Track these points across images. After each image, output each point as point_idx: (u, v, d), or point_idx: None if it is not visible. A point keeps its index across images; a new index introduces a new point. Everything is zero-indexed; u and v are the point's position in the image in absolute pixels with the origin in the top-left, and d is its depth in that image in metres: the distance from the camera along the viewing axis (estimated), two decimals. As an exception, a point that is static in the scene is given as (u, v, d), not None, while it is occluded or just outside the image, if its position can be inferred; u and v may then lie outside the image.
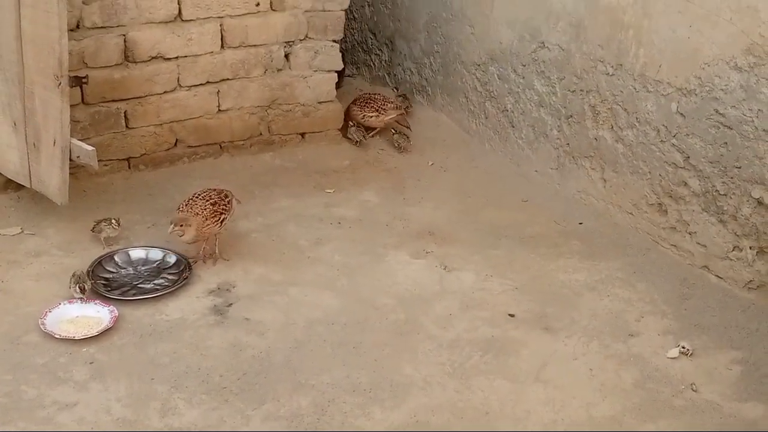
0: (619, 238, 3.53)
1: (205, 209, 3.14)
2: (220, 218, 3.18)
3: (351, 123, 4.36)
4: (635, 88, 3.43)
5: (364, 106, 4.36)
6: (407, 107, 4.56)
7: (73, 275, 2.91)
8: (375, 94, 4.50)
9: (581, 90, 3.70)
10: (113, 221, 3.26)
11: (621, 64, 3.48)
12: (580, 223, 3.65)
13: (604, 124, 3.62)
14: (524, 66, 3.99)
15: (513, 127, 4.13)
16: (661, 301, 3.11)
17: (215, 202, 3.20)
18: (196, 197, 3.20)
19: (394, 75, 4.97)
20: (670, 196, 3.36)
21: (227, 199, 3.28)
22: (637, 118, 3.44)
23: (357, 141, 4.31)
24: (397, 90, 4.83)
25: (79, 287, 2.86)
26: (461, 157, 4.27)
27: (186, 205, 3.16)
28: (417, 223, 3.63)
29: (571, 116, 3.78)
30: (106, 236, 3.26)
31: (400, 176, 4.07)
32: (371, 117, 4.35)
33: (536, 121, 3.98)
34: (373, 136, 4.40)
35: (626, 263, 3.35)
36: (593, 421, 2.53)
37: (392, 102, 4.43)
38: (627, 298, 3.14)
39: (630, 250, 3.44)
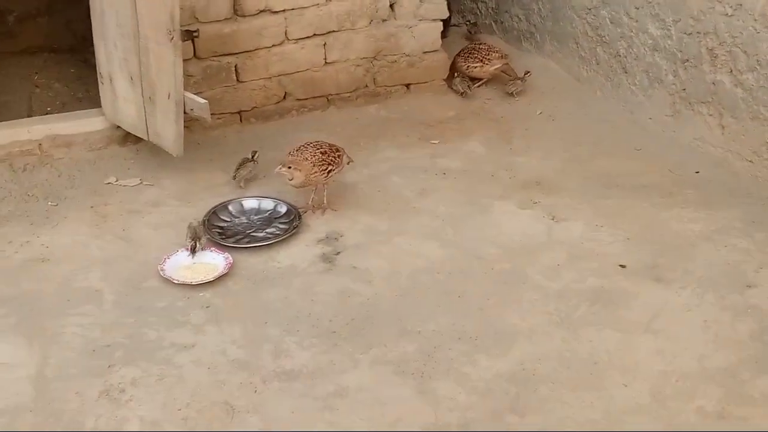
0: (738, 187, 3.38)
1: (314, 156, 3.19)
2: (327, 168, 3.22)
3: (456, 74, 4.32)
4: (756, 29, 3.24)
5: (468, 56, 4.31)
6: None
7: (189, 227, 3.02)
8: (480, 43, 4.44)
9: (698, 32, 3.53)
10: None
11: (740, 4, 3.30)
12: (697, 172, 3.51)
13: (722, 68, 3.45)
14: (637, 9, 3.83)
15: (626, 72, 3.99)
16: (781, 253, 2.97)
17: (325, 152, 3.24)
18: (308, 145, 3.25)
19: (501, 22, 4.86)
20: (793, 142, 3.19)
21: (338, 153, 3.31)
22: (758, 61, 3.26)
23: (462, 92, 4.26)
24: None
25: (190, 246, 2.96)
26: (571, 105, 4.17)
27: (297, 150, 3.23)
28: (524, 173, 3.58)
29: (688, 60, 3.62)
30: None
31: (507, 126, 4.01)
32: (475, 67, 4.29)
33: (650, 66, 3.83)
34: (479, 86, 4.34)
35: (745, 213, 3.21)
36: (705, 373, 2.46)
37: (497, 51, 4.35)
38: (745, 248, 3.01)
39: (749, 199, 3.29)
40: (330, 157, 3.25)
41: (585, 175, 3.54)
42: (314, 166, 3.18)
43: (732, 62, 3.40)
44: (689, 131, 3.67)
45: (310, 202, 3.31)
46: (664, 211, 3.26)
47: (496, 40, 4.69)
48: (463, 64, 4.31)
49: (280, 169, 3.16)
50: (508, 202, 3.37)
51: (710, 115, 3.55)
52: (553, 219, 3.24)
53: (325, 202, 3.32)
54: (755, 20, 3.25)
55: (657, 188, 3.41)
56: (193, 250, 2.95)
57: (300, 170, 3.15)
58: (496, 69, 4.31)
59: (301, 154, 3.19)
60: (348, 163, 3.42)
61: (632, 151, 3.71)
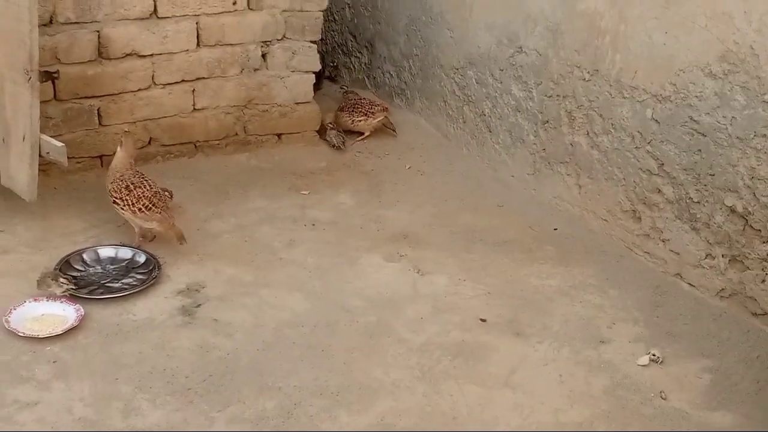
0: (593, 244, 3.52)
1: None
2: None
3: (331, 126, 4.33)
4: (611, 94, 3.42)
5: (353, 111, 4.36)
6: (348, 92, 4.60)
7: (46, 274, 2.85)
8: (360, 98, 4.49)
9: (558, 95, 3.69)
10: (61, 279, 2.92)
11: (597, 70, 3.47)
12: (555, 229, 3.64)
13: (580, 130, 3.61)
14: (502, 71, 3.98)
15: (490, 131, 4.12)
16: (633, 308, 3.10)
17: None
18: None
19: (374, 78, 4.95)
20: (644, 203, 3.35)
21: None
22: (612, 124, 3.44)
23: (337, 146, 4.27)
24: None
25: (62, 279, 2.82)
26: (439, 160, 4.26)
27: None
28: (392, 226, 3.61)
29: (548, 121, 3.77)
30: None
31: (376, 179, 4.05)
32: (360, 121, 4.36)
33: (513, 126, 3.97)
34: (362, 139, 4.39)
35: (599, 269, 3.34)
36: (561, 427, 2.51)
37: (379, 105, 4.43)
38: (599, 304, 3.13)
39: (603, 257, 3.43)
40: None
41: (450, 230, 3.60)
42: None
43: (589, 125, 3.56)
44: (549, 190, 3.82)
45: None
46: (524, 266, 3.35)
47: (368, 95, 4.75)
48: (348, 118, 4.36)
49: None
50: (375, 254, 3.38)
51: (568, 174, 3.70)
52: (418, 272, 3.27)
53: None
54: (610, 86, 3.43)
55: (518, 244, 3.51)
56: (69, 281, 2.82)
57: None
58: (378, 122, 4.36)
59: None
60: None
61: (495, 207, 3.81)
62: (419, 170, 4.17)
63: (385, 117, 4.41)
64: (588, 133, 3.57)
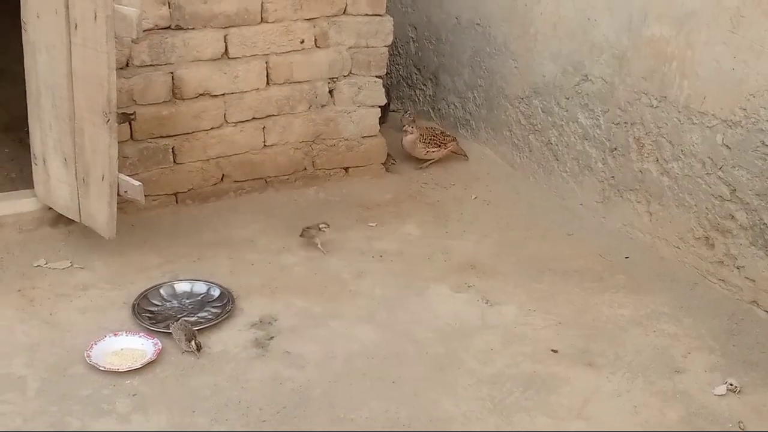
0: (666, 272, 3.46)
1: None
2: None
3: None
4: (680, 120, 3.38)
5: (429, 143, 4.44)
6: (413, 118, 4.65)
7: (178, 328, 2.91)
8: (431, 127, 4.59)
9: (625, 122, 3.67)
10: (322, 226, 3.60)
11: (665, 96, 3.44)
12: (626, 257, 3.60)
13: (649, 157, 3.58)
14: (568, 99, 3.97)
15: (557, 160, 4.11)
16: (708, 337, 3.04)
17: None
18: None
19: (438, 109, 4.99)
20: (717, 230, 3.29)
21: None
22: (682, 151, 3.40)
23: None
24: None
25: (195, 343, 2.86)
26: (505, 190, 4.26)
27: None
28: (459, 256, 3.62)
29: (616, 149, 3.74)
30: (320, 241, 3.59)
31: (443, 210, 4.07)
32: (433, 151, 4.45)
33: (580, 154, 3.95)
34: (427, 166, 4.47)
35: (673, 298, 3.28)
36: (637, 460, 2.47)
37: (449, 135, 4.54)
38: (673, 333, 3.07)
39: (677, 285, 3.37)
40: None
41: (518, 260, 3.59)
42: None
43: (658, 151, 3.53)
44: (618, 217, 3.78)
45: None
46: (595, 295, 3.31)
47: (433, 125, 4.79)
48: (423, 149, 4.43)
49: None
50: (443, 285, 3.39)
51: (638, 202, 3.66)
52: (487, 303, 3.26)
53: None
54: (679, 112, 3.39)
55: (588, 273, 3.48)
56: (199, 348, 2.87)
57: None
58: (449, 150, 4.46)
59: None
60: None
61: (564, 236, 3.79)
62: (486, 200, 4.17)
63: (455, 144, 4.50)
64: (657, 160, 3.54)
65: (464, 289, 3.36)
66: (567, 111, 3.99)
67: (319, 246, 3.59)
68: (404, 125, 4.45)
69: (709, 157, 3.28)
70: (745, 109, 3.10)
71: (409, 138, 4.40)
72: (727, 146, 3.19)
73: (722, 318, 3.14)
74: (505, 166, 4.47)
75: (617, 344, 3.00)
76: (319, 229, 3.60)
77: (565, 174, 4.07)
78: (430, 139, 4.45)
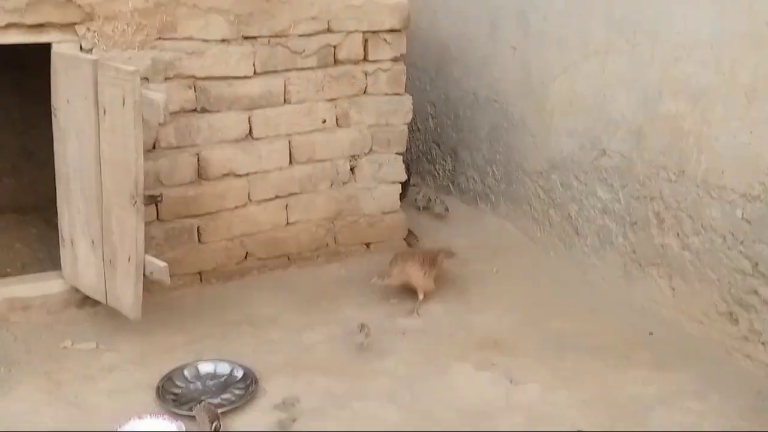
0: (690, 348, 3.43)
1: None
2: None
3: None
4: (699, 195, 3.40)
5: (426, 267, 3.86)
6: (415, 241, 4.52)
7: (202, 411, 2.90)
8: (420, 254, 3.95)
9: (645, 197, 3.69)
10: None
11: (683, 171, 3.47)
12: (650, 333, 3.57)
13: (669, 231, 3.59)
14: (586, 173, 4.01)
15: (578, 234, 4.13)
16: (735, 415, 2.99)
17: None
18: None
19: (458, 184, 5.05)
20: (741, 305, 3.27)
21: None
22: (702, 225, 3.40)
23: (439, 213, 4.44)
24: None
25: (214, 426, 2.84)
26: (526, 264, 4.27)
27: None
28: (481, 332, 3.61)
29: (636, 223, 3.76)
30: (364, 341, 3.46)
31: (464, 284, 4.08)
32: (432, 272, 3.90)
33: (601, 229, 3.97)
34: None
35: (698, 375, 3.24)
36: None
37: (433, 251, 4.04)
38: (700, 411, 3.03)
39: (701, 361, 3.34)
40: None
41: (541, 336, 3.58)
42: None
43: (678, 226, 3.54)
44: (641, 292, 3.77)
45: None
46: (619, 372, 3.28)
47: (453, 201, 4.84)
48: (424, 276, 3.85)
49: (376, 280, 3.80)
50: (466, 363, 3.38)
51: (660, 277, 3.66)
52: (510, 381, 3.24)
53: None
54: (697, 186, 3.42)
55: (612, 349, 3.45)
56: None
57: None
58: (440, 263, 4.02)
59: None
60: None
61: (587, 311, 3.78)
62: (507, 274, 4.18)
63: (442, 254, 4.05)
64: (678, 235, 3.54)
65: (487, 366, 3.34)
66: (586, 185, 4.02)
67: (362, 344, 3.47)
68: (382, 279, 3.83)
69: (730, 232, 3.28)
70: (763, 184, 3.12)
71: (395, 279, 3.82)
72: (747, 221, 3.20)
73: (749, 395, 3.10)
74: (526, 240, 4.49)
75: (643, 423, 2.96)
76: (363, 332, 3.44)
77: (586, 248, 4.08)
78: (423, 261, 3.86)
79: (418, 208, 4.53)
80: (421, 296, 3.83)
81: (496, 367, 3.34)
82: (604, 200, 3.92)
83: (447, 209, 4.54)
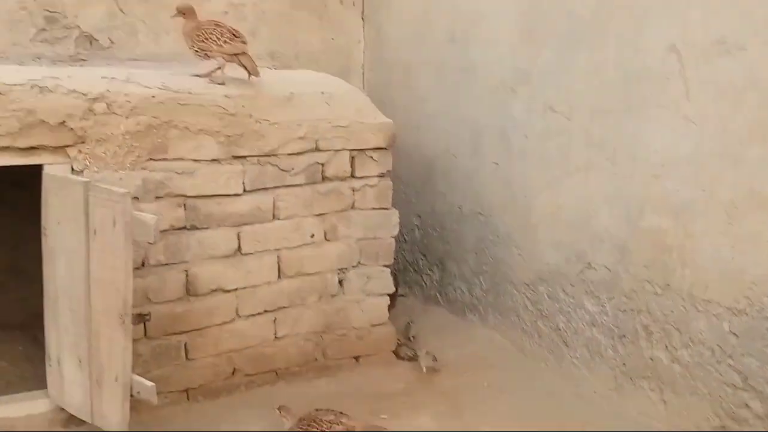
0: (685, 463, 3.40)
1: None
2: None
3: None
4: (685, 308, 3.43)
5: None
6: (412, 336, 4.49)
7: None
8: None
9: (632, 309, 3.72)
10: None
11: (668, 284, 3.51)
12: (644, 448, 3.54)
13: (658, 344, 3.60)
14: (573, 286, 4.05)
15: (567, 346, 4.13)
16: None
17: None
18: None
19: (446, 294, 5.07)
20: (733, 418, 3.26)
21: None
22: (690, 338, 3.42)
23: (409, 357, 4.32)
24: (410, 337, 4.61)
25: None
26: (517, 377, 4.24)
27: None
28: (474, 449, 3.57)
29: (624, 336, 3.77)
30: None
31: (456, 399, 4.04)
32: None
33: (590, 341, 3.98)
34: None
35: (695, 492, 3.20)
36: None
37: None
38: None
39: (697, 477, 3.30)
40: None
41: (535, 453, 3.53)
42: None
43: (667, 339, 3.55)
44: (633, 405, 3.74)
45: None
46: (614, 490, 3.24)
47: (441, 312, 4.85)
48: None
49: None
50: (458, 481, 3.33)
51: (651, 390, 3.65)
52: (505, 502, 3.19)
53: None
54: (683, 299, 3.45)
55: (607, 465, 3.41)
56: None
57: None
58: None
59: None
60: None
61: (580, 426, 3.74)
62: (499, 387, 4.15)
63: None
64: (667, 347, 3.56)
65: (480, 485, 3.29)
66: (573, 298, 4.05)
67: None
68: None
69: (718, 345, 3.30)
70: (748, 298, 3.16)
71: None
72: (735, 334, 3.22)
73: None
74: (516, 351, 4.48)
75: None
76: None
77: (576, 360, 4.08)
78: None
79: (403, 358, 4.46)
80: None
81: (489, 486, 3.28)
82: (592, 312, 3.95)
83: (435, 359, 4.39)
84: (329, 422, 3.34)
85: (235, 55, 3.83)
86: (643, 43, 3.55)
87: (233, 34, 3.83)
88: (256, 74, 3.91)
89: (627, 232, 3.70)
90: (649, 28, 3.52)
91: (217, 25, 3.85)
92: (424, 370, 4.24)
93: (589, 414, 3.83)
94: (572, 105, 3.95)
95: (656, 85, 3.50)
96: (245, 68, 3.87)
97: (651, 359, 3.63)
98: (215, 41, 3.79)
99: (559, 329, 4.16)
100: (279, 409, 3.44)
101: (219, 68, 3.86)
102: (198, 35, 3.80)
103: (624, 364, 3.79)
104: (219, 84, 3.84)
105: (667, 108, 3.46)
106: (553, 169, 4.10)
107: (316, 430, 3.32)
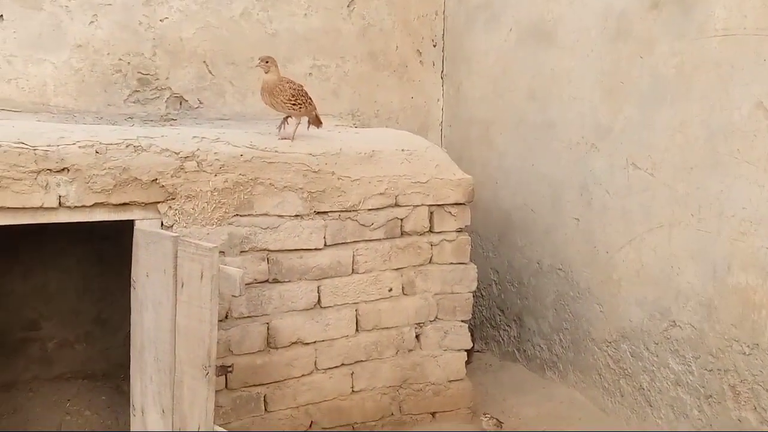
0: None
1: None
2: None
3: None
4: (776, 369, 3.32)
5: None
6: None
7: None
8: None
9: (719, 369, 3.61)
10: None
11: (757, 344, 3.40)
12: None
13: (746, 405, 3.48)
14: (657, 344, 3.95)
15: (651, 406, 4.02)
16: None
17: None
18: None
19: (524, 350, 5.00)
20: (831, 487, 3.11)
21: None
22: (782, 401, 3.31)
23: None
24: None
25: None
26: (598, 437, 4.15)
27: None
28: None
29: (711, 396, 3.66)
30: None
31: (534, 458, 3.97)
32: None
33: (674, 401, 3.86)
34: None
35: None
36: None
37: None
38: None
39: None
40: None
41: None
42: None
43: (755, 399, 3.43)
44: (721, 470, 3.62)
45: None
46: None
47: (519, 369, 4.78)
48: None
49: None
50: None
51: (741, 453, 3.52)
52: None
53: None
54: (773, 360, 3.34)
55: None
56: None
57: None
58: None
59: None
60: None
61: (665, 490, 3.63)
62: (579, 448, 4.06)
63: None
64: (755, 408, 3.43)
65: None
66: (657, 356, 3.96)
67: None
68: None
69: (812, 409, 3.18)
70: None
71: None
72: (831, 398, 3.10)
73: None
74: (597, 411, 4.38)
75: None
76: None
77: (660, 421, 3.96)
78: None
79: None
80: None
81: None
82: (677, 371, 3.84)
83: (499, 423, 4.24)
84: None
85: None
86: (729, 99, 3.52)
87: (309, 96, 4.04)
88: (319, 125, 4.24)
89: (713, 289, 3.61)
90: (735, 86, 3.49)
91: (301, 86, 3.98)
92: None
93: (675, 478, 3.71)
94: (655, 161, 3.91)
95: (743, 142, 3.46)
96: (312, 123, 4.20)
97: (739, 420, 3.51)
98: (308, 104, 4.01)
99: (643, 388, 4.06)
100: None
101: (298, 125, 4.01)
102: (293, 95, 3.95)
103: (710, 425, 3.66)
104: (287, 140, 3.96)
105: (755, 165, 3.40)
106: (635, 225, 4.05)
107: None
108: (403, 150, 4.23)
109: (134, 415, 3.69)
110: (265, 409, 3.96)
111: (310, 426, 4.07)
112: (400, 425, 4.25)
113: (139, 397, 3.66)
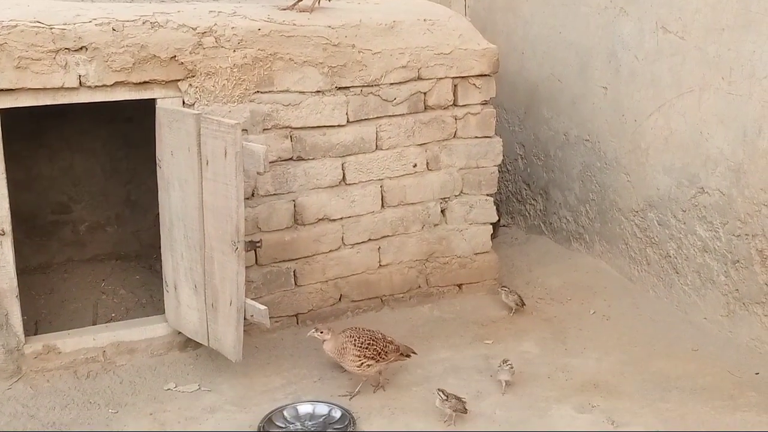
0: (802, 389, 3.31)
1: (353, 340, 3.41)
2: (360, 361, 3.37)
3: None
4: (805, 232, 3.30)
5: (366, 348, 3.42)
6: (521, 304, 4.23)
7: None
8: (376, 333, 3.54)
9: (746, 234, 3.59)
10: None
11: (787, 207, 3.38)
12: (756, 373, 3.45)
13: (774, 269, 3.48)
14: (684, 211, 3.93)
15: (677, 273, 4.04)
16: None
17: (367, 345, 3.40)
18: (358, 330, 3.49)
19: (550, 223, 5.01)
20: None
21: (384, 351, 3.43)
22: (810, 263, 3.30)
23: (512, 309, 4.20)
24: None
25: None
26: (624, 304, 4.19)
27: (346, 331, 3.49)
28: (580, 374, 3.56)
29: (738, 261, 3.66)
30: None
31: (560, 325, 4.03)
32: (370, 365, 3.41)
33: (701, 267, 3.87)
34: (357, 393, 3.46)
35: (812, 418, 3.12)
36: None
37: (390, 341, 3.52)
38: (816, 457, 2.91)
39: (815, 404, 3.21)
40: (370, 352, 3.39)
41: (643, 377, 3.50)
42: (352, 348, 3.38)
43: (783, 263, 3.43)
44: (745, 331, 3.65)
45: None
46: (725, 414, 3.18)
47: (545, 241, 4.80)
48: (357, 361, 3.40)
49: (313, 332, 3.49)
50: (565, 405, 3.33)
51: (766, 315, 3.54)
52: (612, 424, 3.18)
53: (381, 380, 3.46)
54: (802, 223, 3.31)
55: (717, 391, 3.35)
56: None
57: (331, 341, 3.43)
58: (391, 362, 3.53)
59: (345, 333, 3.46)
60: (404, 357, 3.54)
61: (689, 351, 3.68)
62: (604, 315, 4.11)
63: (396, 354, 3.52)
64: (783, 272, 3.44)
65: (588, 409, 3.29)
66: (684, 224, 3.95)
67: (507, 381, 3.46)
68: (317, 333, 3.50)
69: (840, 269, 3.17)
70: None
71: (330, 345, 3.46)
72: None
73: None
74: (623, 279, 4.42)
75: (755, 469, 2.86)
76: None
77: (686, 287, 3.99)
78: (368, 345, 3.42)
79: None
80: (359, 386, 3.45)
81: (597, 409, 3.28)
82: (704, 238, 3.84)
83: (520, 301, 4.19)
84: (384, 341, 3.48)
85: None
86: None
87: None
88: None
89: (743, 153, 3.55)
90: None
91: None
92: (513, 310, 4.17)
93: (699, 340, 3.76)
94: (686, 23, 3.78)
95: (777, -3, 3.32)
96: None
97: (766, 284, 3.52)
98: None
99: (669, 256, 4.07)
100: (315, 328, 3.53)
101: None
102: None
103: (737, 290, 3.68)
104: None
105: (789, 21, 3.28)
106: (665, 91, 3.95)
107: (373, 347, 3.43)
108: (425, 20, 4.12)
109: (167, 291, 3.79)
110: (295, 284, 4.05)
111: (340, 299, 4.16)
112: (427, 297, 4.33)
113: (171, 274, 3.74)
